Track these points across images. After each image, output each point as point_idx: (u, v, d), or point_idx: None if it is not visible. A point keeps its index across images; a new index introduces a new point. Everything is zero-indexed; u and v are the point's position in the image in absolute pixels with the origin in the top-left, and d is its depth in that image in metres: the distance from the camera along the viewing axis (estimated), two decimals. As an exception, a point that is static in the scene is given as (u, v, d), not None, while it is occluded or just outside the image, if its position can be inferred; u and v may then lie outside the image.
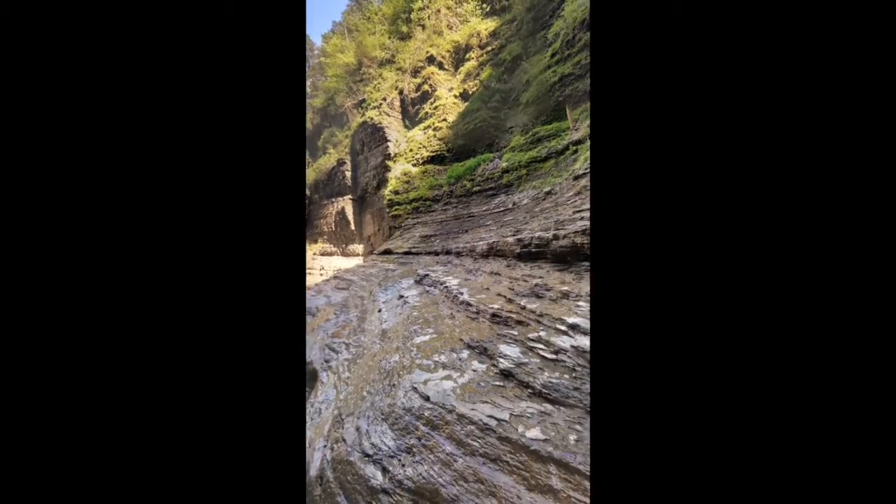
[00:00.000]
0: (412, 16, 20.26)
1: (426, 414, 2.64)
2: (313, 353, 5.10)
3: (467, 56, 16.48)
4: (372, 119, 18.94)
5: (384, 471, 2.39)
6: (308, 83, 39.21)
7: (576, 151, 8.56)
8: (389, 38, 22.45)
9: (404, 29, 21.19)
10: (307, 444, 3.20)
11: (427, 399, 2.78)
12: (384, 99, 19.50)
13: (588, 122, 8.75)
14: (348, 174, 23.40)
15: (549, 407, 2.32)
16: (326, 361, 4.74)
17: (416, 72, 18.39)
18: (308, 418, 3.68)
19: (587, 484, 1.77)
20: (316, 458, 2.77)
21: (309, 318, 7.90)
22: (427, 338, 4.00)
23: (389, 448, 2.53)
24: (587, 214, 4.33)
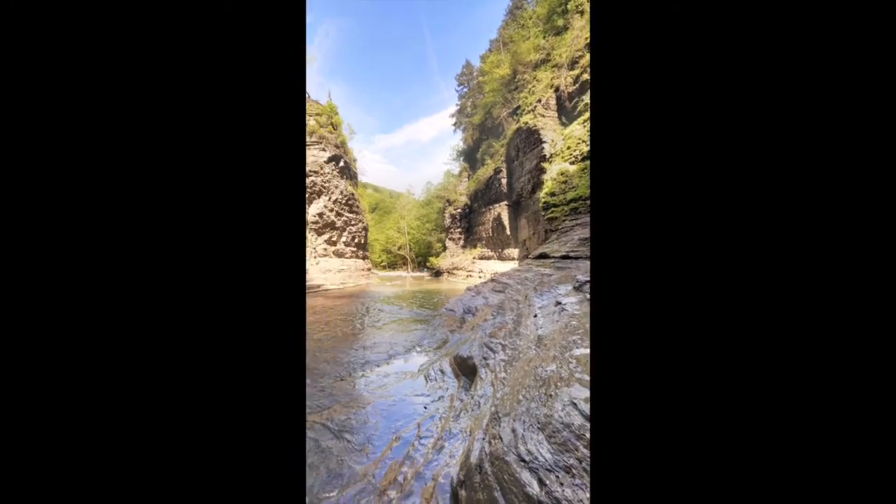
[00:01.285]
0: (569, 5, 19.19)
1: (587, 435, 2.40)
2: (473, 350, 5.55)
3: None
4: (526, 123, 19.02)
5: (541, 482, 2.32)
6: (468, 103, 43.39)
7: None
8: (544, 37, 22.04)
9: (560, 23, 20.34)
10: (468, 433, 3.50)
11: (588, 419, 2.52)
12: (539, 101, 19.24)
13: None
14: (504, 181, 24.28)
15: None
16: (484, 359, 5.05)
17: (573, 63, 17.25)
18: (468, 409, 4.02)
19: None
20: (475, 448, 2.99)
21: (469, 317, 8.65)
22: (588, 351, 3.64)
23: (546, 461, 2.44)
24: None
